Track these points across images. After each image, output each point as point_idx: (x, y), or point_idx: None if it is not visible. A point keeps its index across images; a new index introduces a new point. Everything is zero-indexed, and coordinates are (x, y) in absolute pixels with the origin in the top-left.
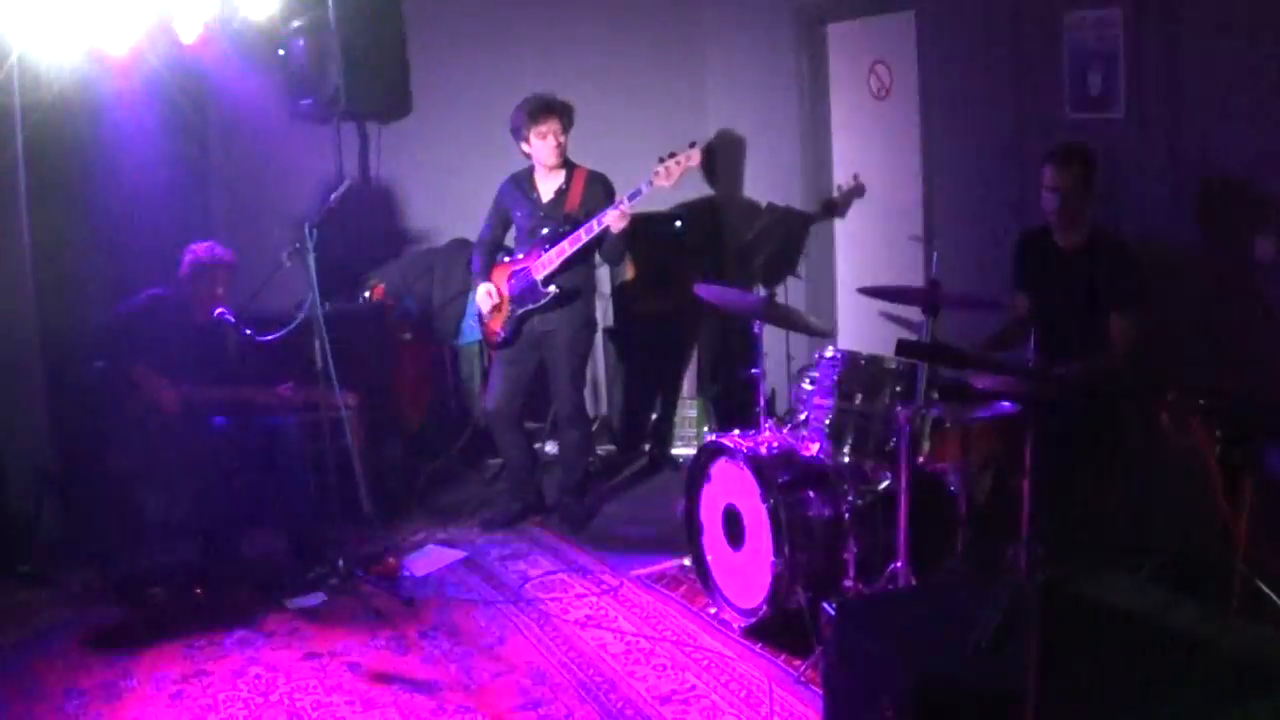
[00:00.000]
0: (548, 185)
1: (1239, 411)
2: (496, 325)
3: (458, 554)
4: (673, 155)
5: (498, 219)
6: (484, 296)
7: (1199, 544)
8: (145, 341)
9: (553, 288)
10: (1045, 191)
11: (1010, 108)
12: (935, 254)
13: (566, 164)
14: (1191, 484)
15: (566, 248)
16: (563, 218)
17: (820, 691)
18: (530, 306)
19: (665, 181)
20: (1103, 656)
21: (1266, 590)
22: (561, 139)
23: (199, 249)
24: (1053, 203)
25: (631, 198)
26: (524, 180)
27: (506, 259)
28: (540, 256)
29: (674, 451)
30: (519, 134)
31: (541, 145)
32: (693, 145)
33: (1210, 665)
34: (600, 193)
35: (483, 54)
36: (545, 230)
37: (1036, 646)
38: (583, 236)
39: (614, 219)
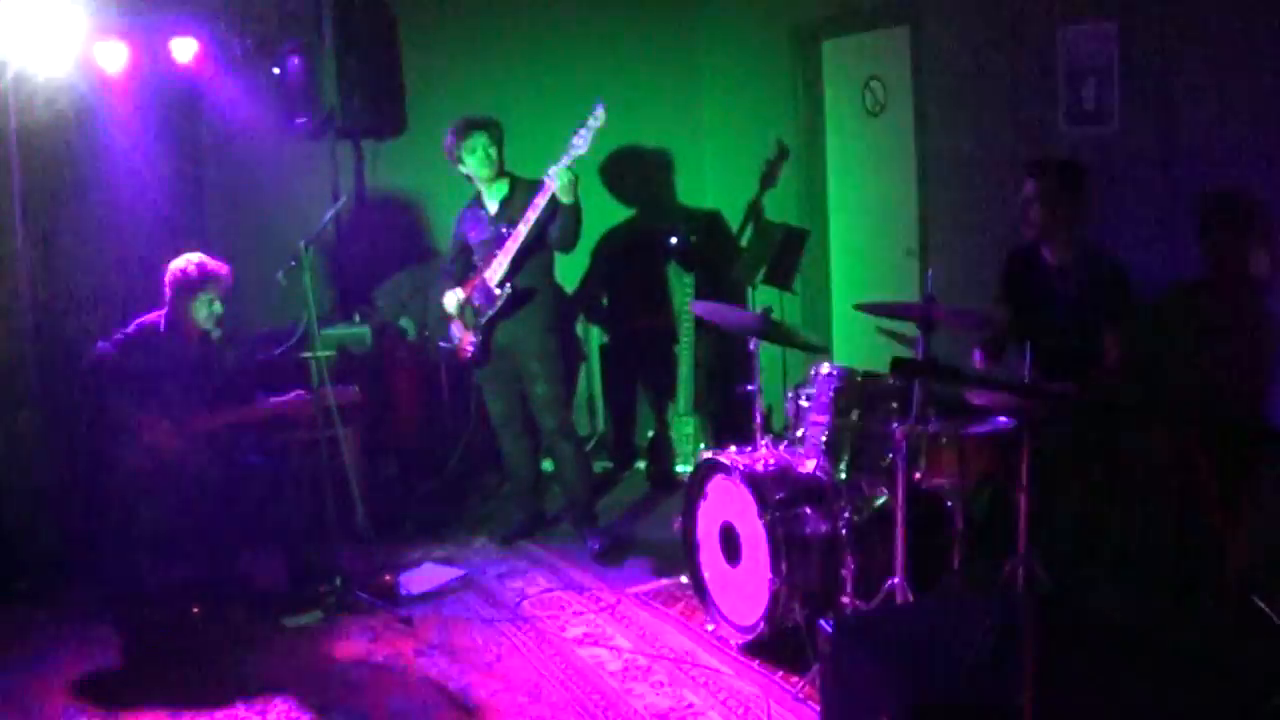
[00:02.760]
0: (494, 199)
1: (1234, 426)
2: (466, 340)
3: (455, 571)
4: (583, 123)
5: (458, 246)
6: (449, 298)
7: (1195, 558)
8: (137, 379)
9: (507, 288)
10: (1025, 204)
11: (1005, 122)
12: (930, 270)
13: (509, 176)
14: (1187, 498)
15: (511, 245)
16: (511, 221)
17: (818, 708)
18: (491, 313)
19: (583, 148)
20: (1099, 671)
21: (1260, 604)
22: (491, 151)
23: (187, 265)
24: (1031, 215)
25: (557, 168)
26: (473, 201)
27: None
28: (492, 262)
29: (670, 468)
30: (451, 155)
31: (473, 161)
32: (596, 105)
33: (1207, 678)
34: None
35: (478, 71)
36: (501, 233)
37: (1033, 661)
38: (522, 230)
39: (553, 182)
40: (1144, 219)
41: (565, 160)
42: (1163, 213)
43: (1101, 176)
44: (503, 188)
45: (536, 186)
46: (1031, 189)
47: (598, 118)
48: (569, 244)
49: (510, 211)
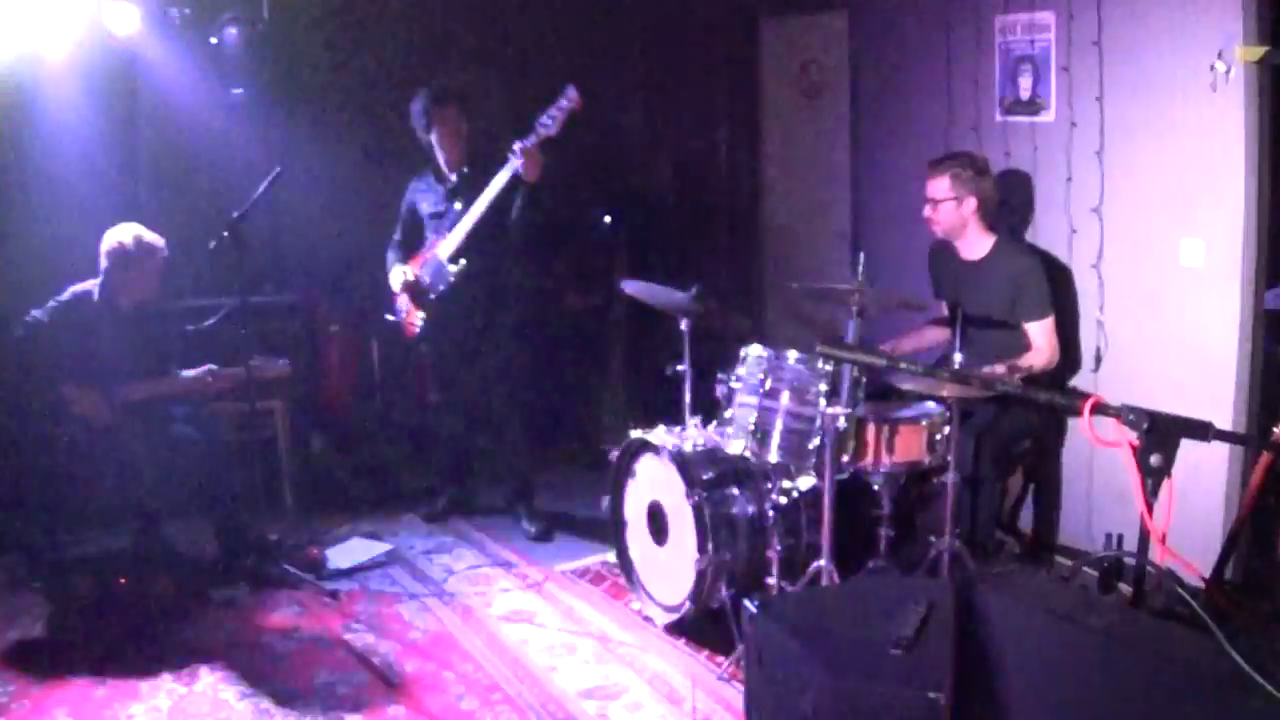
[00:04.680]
0: (453, 173)
1: (1159, 414)
2: (413, 315)
3: (382, 546)
4: (554, 103)
5: (408, 218)
6: (395, 274)
7: (1119, 545)
8: (69, 348)
9: (461, 264)
10: (930, 203)
11: (941, 109)
12: (862, 254)
13: (471, 151)
14: (1112, 485)
15: (468, 221)
16: (469, 196)
17: (741, 689)
18: (442, 289)
19: (552, 128)
20: (1021, 656)
21: (1183, 593)
22: (462, 124)
23: (124, 237)
24: (937, 214)
25: (525, 145)
26: (427, 172)
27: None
28: (446, 237)
29: (599, 447)
30: (421, 121)
31: (444, 131)
32: (568, 87)
33: (1127, 665)
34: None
35: (417, 46)
36: (455, 208)
37: (954, 645)
38: (480, 207)
39: (520, 164)
40: (1077, 210)
41: (532, 139)
42: (1095, 203)
43: (1036, 167)
44: (463, 160)
45: (499, 163)
46: (935, 187)
47: (570, 99)
48: (530, 224)
49: (469, 186)
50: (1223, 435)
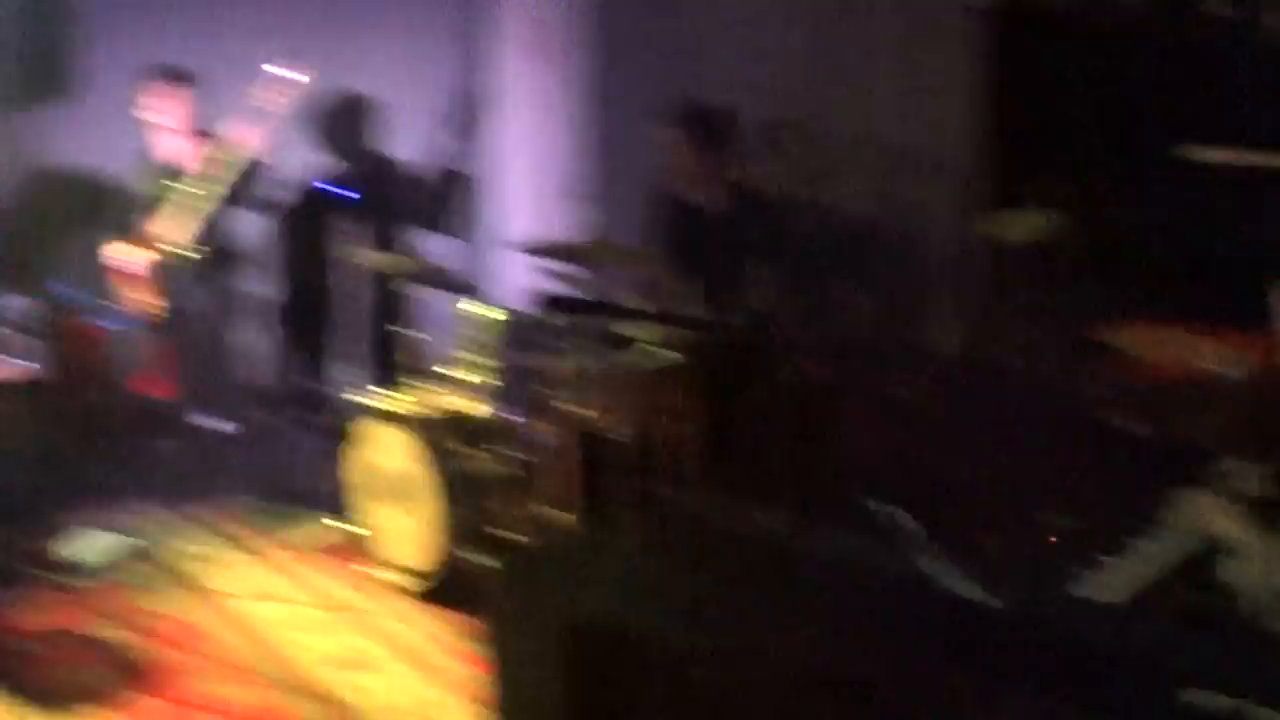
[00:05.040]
0: (183, 156)
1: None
2: (144, 300)
3: (122, 538)
4: (279, 78)
5: (139, 202)
6: (128, 252)
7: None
8: None
9: (194, 253)
10: (671, 154)
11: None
12: (592, 210)
13: (201, 132)
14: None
15: (203, 204)
16: (200, 178)
17: (488, 649)
18: (180, 274)
19: (281, 104)
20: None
21: (873, 506)
22: (186, 104)
23: None
24: (679, 164)
25: (248, 122)
26: (157, 156)
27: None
28: (178, 223)
29: (336, 417)
30: (140, 104)
31: (160, 106)
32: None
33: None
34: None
35: (153, 29)
36: (186, 193)
37: (688, 587)
38: (212, 188)
39: (247, 139)
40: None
41: (260, 117)
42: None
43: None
44: (189, 145)
45: (231, 143)
46: (676, 138)
47: (296, 73)
48: (261, 203)
49: (202, 168)
50: None
